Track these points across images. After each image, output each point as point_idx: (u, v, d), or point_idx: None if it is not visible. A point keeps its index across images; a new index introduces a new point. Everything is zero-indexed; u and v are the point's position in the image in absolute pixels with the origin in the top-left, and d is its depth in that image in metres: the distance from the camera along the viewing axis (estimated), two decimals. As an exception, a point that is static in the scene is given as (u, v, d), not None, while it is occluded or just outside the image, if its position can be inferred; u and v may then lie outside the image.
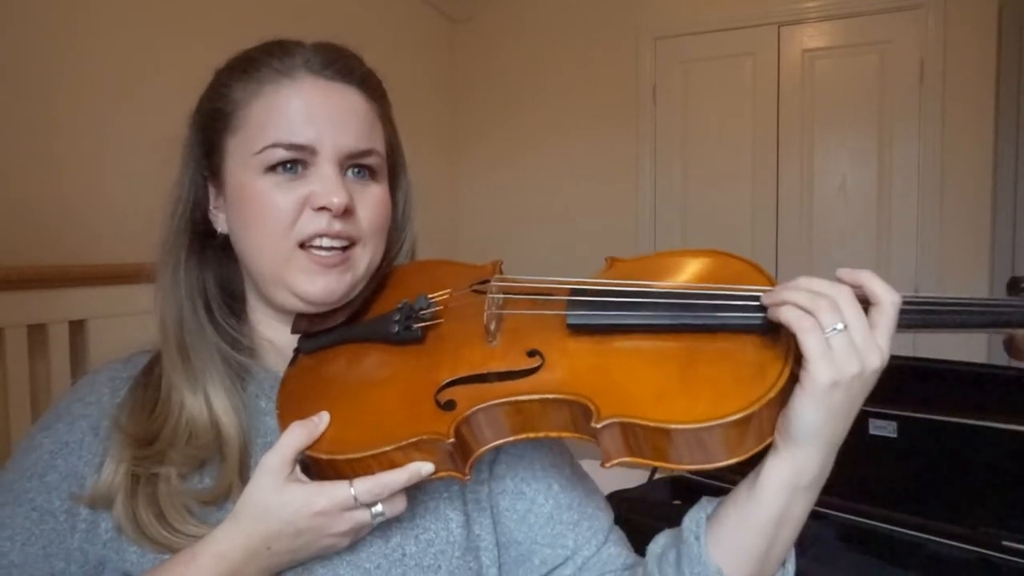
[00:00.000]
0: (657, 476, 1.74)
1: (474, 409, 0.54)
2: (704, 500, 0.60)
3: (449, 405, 0.55)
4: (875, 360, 0.49)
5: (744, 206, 3.24)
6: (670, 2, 3.32)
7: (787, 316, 0.50)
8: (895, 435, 1.38)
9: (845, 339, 0.49)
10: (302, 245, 0.62)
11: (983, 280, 2.85)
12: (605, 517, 0.71)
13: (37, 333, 1.60)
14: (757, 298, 0.54)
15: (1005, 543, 1.20)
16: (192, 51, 2.01)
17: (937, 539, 1.26)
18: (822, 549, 1.29)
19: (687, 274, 0.61)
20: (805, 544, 1.28)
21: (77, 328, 1.68)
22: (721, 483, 1.54)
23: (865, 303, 0.51)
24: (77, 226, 1.77)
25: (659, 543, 0.63)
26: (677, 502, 1.61)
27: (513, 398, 0.54)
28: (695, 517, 0.59)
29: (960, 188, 2.87)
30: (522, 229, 3.59)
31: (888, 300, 0.51)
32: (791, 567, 0.59)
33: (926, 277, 2.91)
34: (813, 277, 0.52)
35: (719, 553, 0.56)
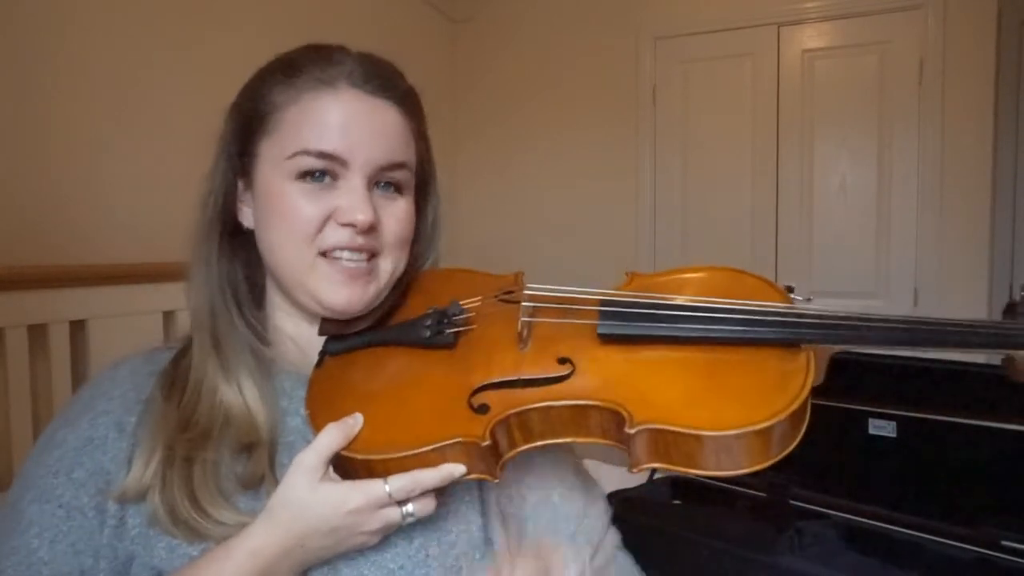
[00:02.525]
0: (657, 476, 1.74)
1: (508, 413, 0.56)
2: None
3: (483, 408, 0.57)
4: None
5: (744, 206, 3.24)
6: (670, 2, 3.32)
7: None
8: (895, 435, 1.38)
9: None
10: (324, 253, 0.63)
11: (982, 280, 2.86)
12: (603, 522, 0.73)
13: (37, 333, 1.60)
14: (779, 313, 0.58)
15: (1005, 543, 1.20)
16: (193, 51, 2.01)
17: (937, 539, 1.26)
18: (822, 549, 1.29)
19: (706, 290, 0.64)
20: (805, 544, 1.28)
21: (77, 328, 1.68)
22: (720, 483, 1.54)
23: None
24: (77, 226, 1.77)
25: None
26: (677, 502, 1.62)
27: (546, 403, 0.56)
28: None
29: (960, 188, 2.87)
30: (522, 229, 3.59)
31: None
32: None
33: (925, 276, 2.91)
34: None
35: None
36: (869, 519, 1.35)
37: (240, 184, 0.68)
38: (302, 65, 0.64)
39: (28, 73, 1.66)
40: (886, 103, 2.98)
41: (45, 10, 1.70)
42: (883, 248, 3.00)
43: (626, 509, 1.46)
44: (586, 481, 0.74)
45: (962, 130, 2.85)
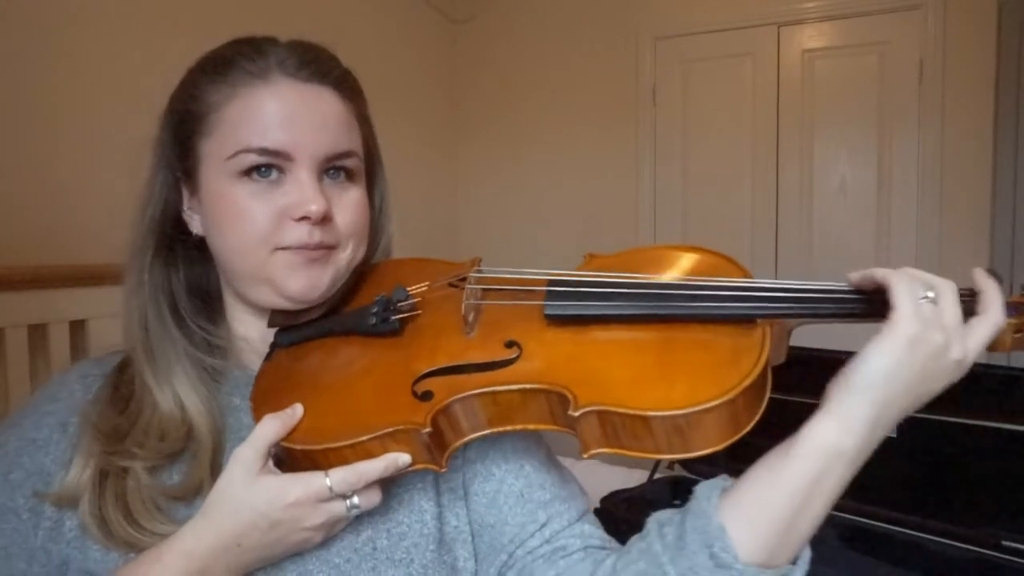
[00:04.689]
0: (657, 476, 1.74)
1: (451, 399, 0.54)
2: (723, 476, 0.57)
3: (426, 396, 0.55)
4: (957, 351, 0.51)
5: (744, 206, 3.24)
6: (670, 2, 3.31)
7: (882, 273, 0.52)
8: (895, 435, 1.38)
9: (933, 309, 0.51)
10: (281, 248, 0.62)
11: (983, 280, 2.85)
12: (582, 501, 0.69)
13: (37, 333, 1.60)
14: (734, 288, 0.55)
15: (1005, 543, 1.20)
16: (194, 52, 2.01)
17: (937, 539, 1.26)
18: (822, 549, 1.29)
19: (664, 268, 0.62)
20: (805, 544, 1.28)
21: (77, 328, 1.68)
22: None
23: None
24: (78, 226, 1.77)
25: (666, 512, 0.59)
26: (677, 502, 1.62)
27: (490, 388, 0.54)
28: (711, 484, 0.55)
29: (960, 188, 2.87)
30: (522, 229, 3.59)
31: (996, 314, 0.53)
32: (803, 564, 0.54)
33: (926, 277, 2.91)
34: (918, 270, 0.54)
35: (733, 517, 0.51)
36: (869, 519, 1.35)
37: (185, 192, 0.66)
38: (232, 59, 0.62)
39: (28, 73, 1.66)
40: (886, 103, 2.98)
41: (45, 10, 1.70)
42: (883, 248, 3.00)
43: (626, 509, 1.46)
44: (559, 465, 0.71)
45: (962, 130, 2.85)
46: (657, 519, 0.58)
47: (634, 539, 0.59)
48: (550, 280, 0.60)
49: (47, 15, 1.71)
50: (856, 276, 0.54)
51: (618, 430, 0.51)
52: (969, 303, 0.54)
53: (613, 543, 0.66)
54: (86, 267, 1.70)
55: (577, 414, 0.50)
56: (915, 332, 0.50)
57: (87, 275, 1.68)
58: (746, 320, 0.54)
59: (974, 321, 0.53)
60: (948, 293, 0.52)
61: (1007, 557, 1.19)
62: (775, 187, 3.18)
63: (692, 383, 0.51)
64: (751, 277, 0.58)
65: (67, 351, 1.64)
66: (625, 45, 3.38)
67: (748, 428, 0.52)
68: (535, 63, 3.55)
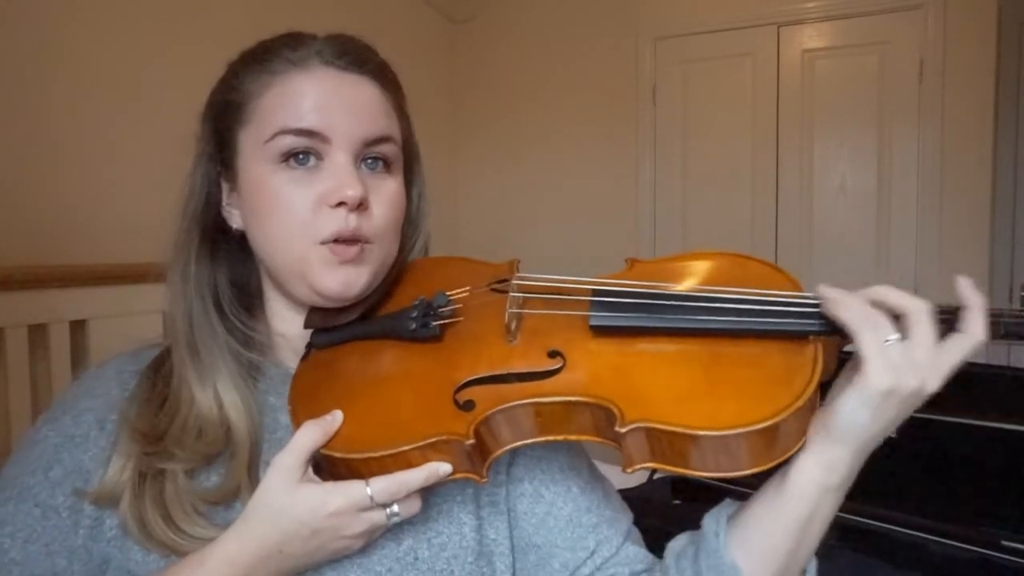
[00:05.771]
0: (657, 476, 1.74)
1: (494, 410, 0.53)
2: (727, 501, 0.60)
3: (468, 405, 0.54)
4: (932, 384, 0.49)
5: (744, 206, 3.24)
6: (670, 2, 3.31)
7: (845, 314, 0.50)
8: (895, 435, 1.38)
9: (903, 349, 0.49)
10: (321, 242, 0.61)
11: (982, 279, 2.85)
12: (625, 518, 0.69)
13: (37, 333, 1.60)
14: (786, 303, 0.53)
15: (1005, 543, 1.20)
16: (194, 50, 2.01)
17: (937, 539, 1.26)
18: (821, 548, 1.29)
19: (708, 277, 0.60)
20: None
21: (77, 328, 1.68)
22: (720, 483, 1.54)
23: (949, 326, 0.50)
24: (77, 226, 1.77)
25: (680, 541, 0.62)
26: (677, 502, 1.62)
27: (534, 400, 0.53)
28: (716, 515, 0.59)
29: (960, 188, 2.87)
30: (522, 230, 3.59)
31: (978, 334, 0.50)
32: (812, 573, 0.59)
33: (925, 276, 2.91)
34: (892, 288, 0.52)
35: (742, 552, 0.56)
36: (869, 519, 1.35)
37: (225, 186, 0.66)
38: (273, 50, 0.63)
39: (28, 73, 1.66)
40: (886, 103, 2.98)
41: (45, 10, 1.70)
42: (883, 248, 3.00)
43: (626, 509, 1.46)
44: (601, 478, 0.72)
45: (962, 130, 2.85)
46: (673, 551, 0.62)
47: (655, 571, 0.63)
48: (594, 289, 0.58)
49: (46, 15, 1.71)
50: (825, 293, 0.52)
51: (664, 447, 0.50)
52: (949, 320, 0.51)
53: (650, 555, 0.68)
54: (86, 267, 1.70)
55: (624, 430, 0.50)
56: (888, 385, 0.48)
57: (87, 275, 1.68)
58: (798, 336, 0.53)
59: (951, 341, 0.50)
60: (921, 322, 0.49)
61: (1007, 557, 1.19)
62: (775, 187, 3.18)
63: (742, 402, 0.50)
64: (799, 288, 0.56)
65: (67, 351, 1.64)
66: (625, 45, 3.38)
67: (799, 446, 0.52)
68: (535, 63, 3.55)
